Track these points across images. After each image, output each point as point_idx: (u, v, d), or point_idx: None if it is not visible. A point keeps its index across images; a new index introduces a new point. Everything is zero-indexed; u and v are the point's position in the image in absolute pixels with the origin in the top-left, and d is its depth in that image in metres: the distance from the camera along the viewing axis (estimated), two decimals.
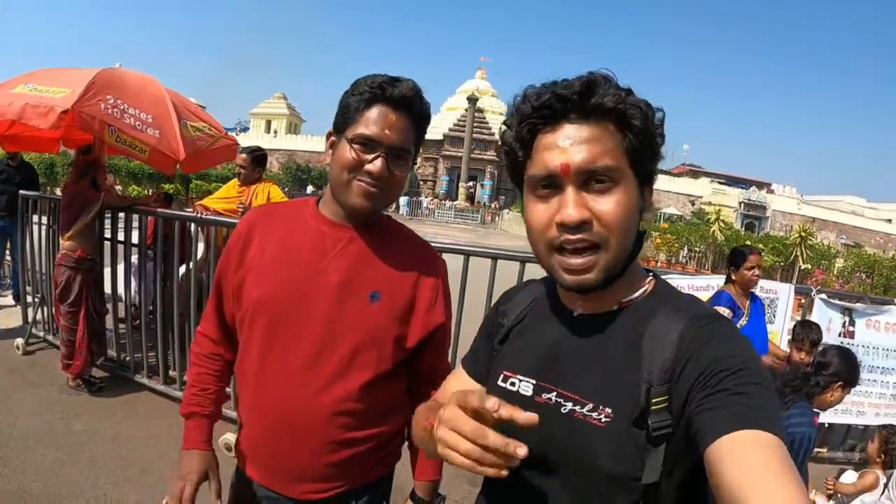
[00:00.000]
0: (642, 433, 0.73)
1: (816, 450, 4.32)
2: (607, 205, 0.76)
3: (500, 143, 0.87)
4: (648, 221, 26.52)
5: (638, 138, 0.77)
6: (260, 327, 1.19)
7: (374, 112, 1.13)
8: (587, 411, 0.78)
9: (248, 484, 1.26)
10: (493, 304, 1.11)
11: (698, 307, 0.81)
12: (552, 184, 0.79)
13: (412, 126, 1.18)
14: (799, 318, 4.29)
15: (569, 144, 0.76)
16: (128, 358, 4.17)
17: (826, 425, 4.34)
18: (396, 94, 1.13)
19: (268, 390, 1.18)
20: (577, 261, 0.78)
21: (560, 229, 0.77)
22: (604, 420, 0.76)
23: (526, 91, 0.81)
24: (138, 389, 4.00)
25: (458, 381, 1.05)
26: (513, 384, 0.89)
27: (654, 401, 0.73)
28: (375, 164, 1.13)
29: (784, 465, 0.60)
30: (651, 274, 0.89)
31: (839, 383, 2.44)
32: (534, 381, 0.87)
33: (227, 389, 1.29)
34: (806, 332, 3.38)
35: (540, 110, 0.78)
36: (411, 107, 1.17)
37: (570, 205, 0.76)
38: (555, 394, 0.83)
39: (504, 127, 0.85)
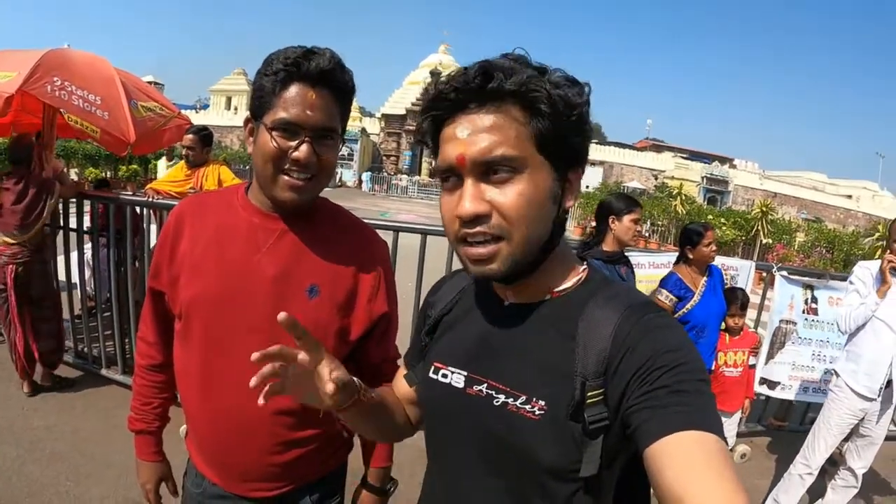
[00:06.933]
0: (578, 426, 0.72)
1: (778, 423, 4.42)
2: (506, 196, 0.73)
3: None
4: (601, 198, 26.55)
5: (546, 123, 0.72)
6: (197, 328, 1.13)
7: (291, 92, 1.03)
8: (520, 404, 0.76)
9: (199, 481, 1.23)
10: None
11: (632, 296, 0.80)
12: (455, 175, 0.76)
13: (335, 102, 1.07)
14: (759, 292, 4.39)
15: (466, 135, 0.73)
16: (85, 349, 4.06)
17: (781, 400, 4.46)
18: (314, 69, 1.02)
19: (212, 393, 1.13)
20: (477, 251, 0.75)
21: (460, 222, 0.75)
22: (537, 413, 0.75)
23: (432, 81, 0.77)
24: (97, 380, 3.91)
25: (397, 377, 1.07)
26: (444, 376, 0.88)
27: (589, 394, 0.71)
28: (301, 151, 1.04)
29: (723, 465, 0.60)
30: (585, 262, 0.88)
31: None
32: (465, 373, 0.85)
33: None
34: (733, 297, 3.50)
35: (438, 101, 0.75)
36: (332, 80, 1.06)
37: (467, 197, 0.74)
38: (485, 385, 0.81)
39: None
